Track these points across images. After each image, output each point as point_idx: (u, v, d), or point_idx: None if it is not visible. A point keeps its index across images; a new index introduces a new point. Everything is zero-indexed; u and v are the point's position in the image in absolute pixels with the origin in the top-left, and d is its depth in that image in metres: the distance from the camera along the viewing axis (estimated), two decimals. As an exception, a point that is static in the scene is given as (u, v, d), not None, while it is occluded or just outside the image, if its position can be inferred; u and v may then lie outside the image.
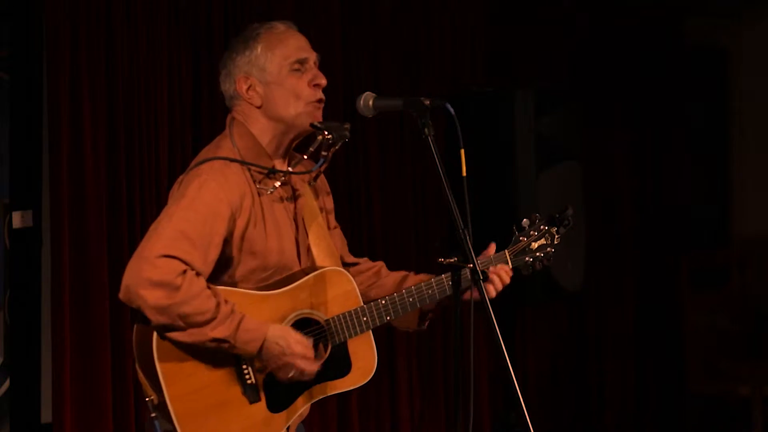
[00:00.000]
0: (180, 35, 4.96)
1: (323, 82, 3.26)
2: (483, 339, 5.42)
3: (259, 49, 3.24)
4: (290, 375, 3.14)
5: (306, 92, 3.24)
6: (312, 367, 3.17)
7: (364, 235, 5.52)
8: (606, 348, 6.64)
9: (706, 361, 7.08)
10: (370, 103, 3.21)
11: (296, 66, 3.24)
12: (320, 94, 3.26)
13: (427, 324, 3.48)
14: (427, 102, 3.09)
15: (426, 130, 3.06)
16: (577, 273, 5.21)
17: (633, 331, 6.75)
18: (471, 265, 3.02)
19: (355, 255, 3.55)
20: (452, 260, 3.07)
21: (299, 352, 3.14)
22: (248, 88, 3.25)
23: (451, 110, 3.08)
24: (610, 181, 6.64)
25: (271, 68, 3.23)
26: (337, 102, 3.36)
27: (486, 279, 3.04)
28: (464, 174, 3.02)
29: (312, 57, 3.28)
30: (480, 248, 3.34)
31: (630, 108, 6.72)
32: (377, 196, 5.62)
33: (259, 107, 3.25)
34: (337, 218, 3.52)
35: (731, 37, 7.58)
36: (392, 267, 3.53)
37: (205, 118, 4.99)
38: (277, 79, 3.23)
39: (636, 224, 6.78)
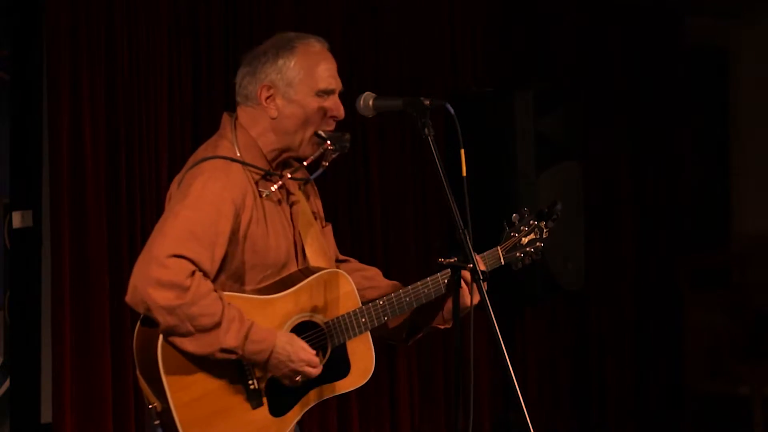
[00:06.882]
0: (180, 35, 4.96)
1: (341, 116, 3.25)
2: (483, 339, 5.41)
3: (292, 63, 3.20)
4: (297, 379, 3.15)
5: (320, 122, 3.23)
6: (316, 371, 3.17)
7: (364, 235, 5.51)
8: (606, 348, 6.63)
9: (706, 361, 7.08)
10: (370, 102, 3.20)
11: (321, 93, 3.22)
12: (333, 125, 3.25)
13: (412, 341, 3.50)
14: (427, 102, 3.08)
15: (426, 130, 3.06)
16: (577, 273, 5.21)
17: (633, 331, 6.74)
18: (471, 265, 3.02)
19: (356, 256, 3.55)
20: (452, 260, 3.08)
21: (305, 359, 3.14)
22: (268, 98, 3.22)
23: (451, 110, 3.08)
24: (610, 181, 6.63)
25: (297, 87, 3.20)
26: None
27: (486, 279, 3.04)
28: (464, 174, 3.02)
29: (338, 88, 3.26)
30: (480, 248, 3.35)
31: (630, 108, 6.71)
32: (377, 196, 5.61)
33: (272, 119, 3.23)
34: (337, 218, 3.52)
35: (731, 37, 7.58)
36: (392, 267, 3.53)
37: (205, 118, 4.99)
38: (300, 100, 3.21)
39: (636, 224, 6.78)
